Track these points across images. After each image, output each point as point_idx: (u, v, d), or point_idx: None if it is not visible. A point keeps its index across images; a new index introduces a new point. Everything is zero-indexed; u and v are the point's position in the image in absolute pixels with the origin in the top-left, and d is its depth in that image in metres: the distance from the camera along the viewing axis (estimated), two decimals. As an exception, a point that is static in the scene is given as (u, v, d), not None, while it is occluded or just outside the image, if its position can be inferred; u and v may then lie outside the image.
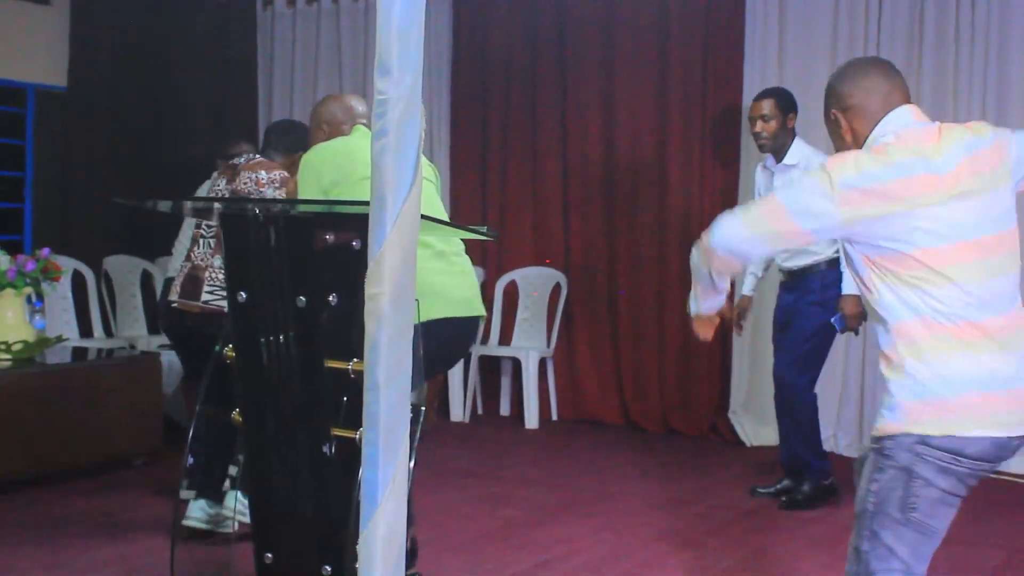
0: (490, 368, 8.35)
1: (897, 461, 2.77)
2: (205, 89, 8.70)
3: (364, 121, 4.55)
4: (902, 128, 2.83)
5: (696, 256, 3.00)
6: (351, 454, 3.11)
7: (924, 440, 2.73)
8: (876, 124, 2.88)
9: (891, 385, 2.80)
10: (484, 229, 4.20)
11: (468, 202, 8.45)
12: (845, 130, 2.95)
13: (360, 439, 2.70)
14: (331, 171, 4.20)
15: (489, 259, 8.38)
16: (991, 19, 6.88)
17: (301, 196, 4.28)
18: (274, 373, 3.43)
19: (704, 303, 3.12)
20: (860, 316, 5.63)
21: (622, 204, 7.96)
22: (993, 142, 2.84)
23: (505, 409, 8.37)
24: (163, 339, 7.83)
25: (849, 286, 5.56)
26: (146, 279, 8.25)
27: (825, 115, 3.03)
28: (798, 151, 5.84)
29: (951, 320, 2.74)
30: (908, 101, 2.91)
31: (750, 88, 7.20)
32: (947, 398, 2.73)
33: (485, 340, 8.29)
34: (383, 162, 2.61)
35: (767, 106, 5.88)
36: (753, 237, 2.85)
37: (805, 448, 5.91)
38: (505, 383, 8.37)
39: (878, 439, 2.83)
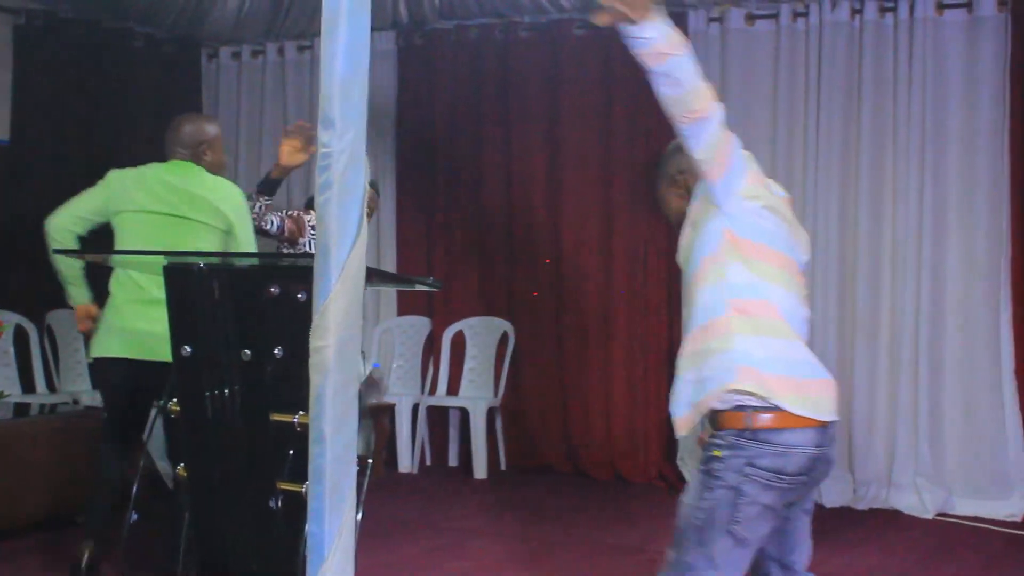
0: (438, 418, 8.32)
1: (726, 481, 3.02)
2: (149, 141, 8.63)
3: (185, 153, 4.77)
4: None
5: (698, 87, 3.18)
6: (297, 508, 3.10)
7: (751, 462, 3.00)
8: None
9: (720, 355, 3.05)
10: (429, 280, 4.25)
11: (414, 253, 8.44)
12: (682, 191, 3.35)
13: (306, 493, 2.68)
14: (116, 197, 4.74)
15: (436, 309, 8.37)
16: (927, 66, 7.02)
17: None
18: (219, 427, 3.41)
19: (646, 31, 3.06)
20: None
21: (568, 251, 7.99)
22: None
23: (453, 459, 8.33)
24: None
25: None
26: (89, 334, 8.16)
27: (662, 185, 3.45)
28: None
29: (782, 315, 3.10)
30: None
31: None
32: (777, 375, 3.03)
33: (432, 391, 8.26)
34: (327, 214, 2.61)
35: None
36: (715, 134, 3.13)
37: None
38: (453, 433, 8.34)
39: (707, 461, 3.07)
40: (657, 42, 3.04)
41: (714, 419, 3.07)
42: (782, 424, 3.00)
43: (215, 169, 4.88)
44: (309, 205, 5.75)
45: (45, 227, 4.87)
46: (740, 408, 3.01)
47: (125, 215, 4.73)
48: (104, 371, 4.81)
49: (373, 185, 5.56)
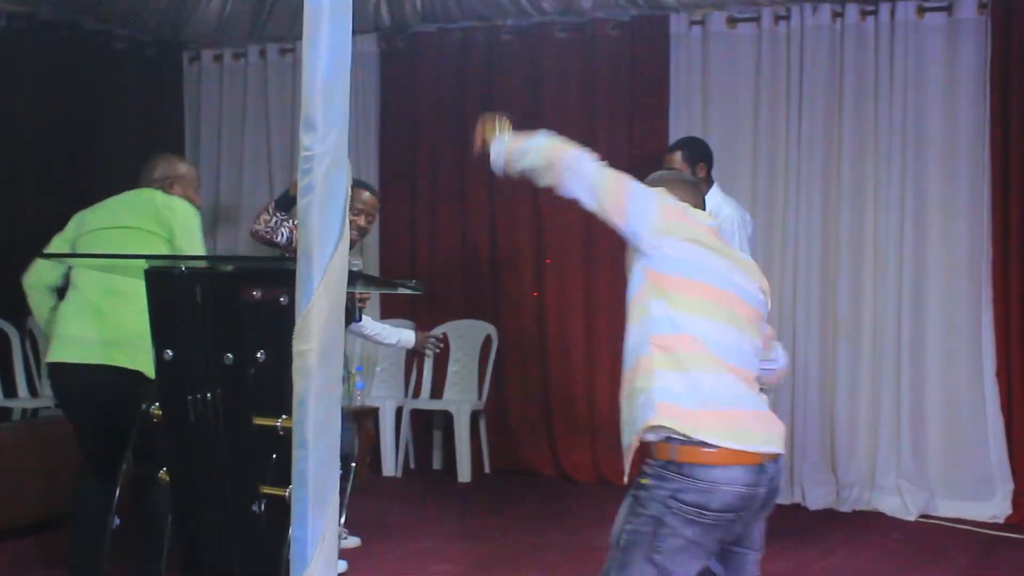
0: (422, 422, 8.31)
1: (650, 511, 3.01)
2: (131, 145, 8.61)
3: (154, 184, 4.87)
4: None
5: (541, 146, 3.37)
6: (280, 512, 3.09)
7: (675, 495, 2.97)
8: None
9: (643, 394, 3.06)
10: (412, 283, 4.25)
11: (397, 256, 8.43)
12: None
13: (289, 497, 2.68)
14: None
15: (419, 312, 8.36)
16: (908, 69, 7.05)
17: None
18: (202, 431, 3.39)
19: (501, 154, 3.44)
20: None
21: (550, 254, 7.99)
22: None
23: (437, 463, 8.32)
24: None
25: None
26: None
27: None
28: (712, 199, 5.89)
29: (709, 348, 3.03)
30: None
31: (676, 138, 7.24)
32: (700, 409, 2.99)
33: (416, 394, 8.25)
34: (309, 218, 2.61)
35: (676, 158, 5.96)
36: (592, 178, 3.22)
37: None
38: (437, 436, 8.33)
39: (637, 487, 3.09)
40: (504, 154, 3.39)
41: (649, 448, 3.07)
42: (708, 460, 2.95)
43: None
44: None
45: (23, 286, 4.97)
46: (668, 440, 2.98)
47: (81, 239, 4.81)
48: (50, 379, 4.94)
49: (373, 192, 5.54)
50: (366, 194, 5.47)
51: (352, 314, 5.31)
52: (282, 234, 5.39)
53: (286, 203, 5.33)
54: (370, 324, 5.97)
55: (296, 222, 5.36)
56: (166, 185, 4.85)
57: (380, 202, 5.71)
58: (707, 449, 2.95)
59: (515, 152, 3.37)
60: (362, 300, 5.38)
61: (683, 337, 3.03)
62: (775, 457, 3.05)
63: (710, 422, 2.96)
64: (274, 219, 5.32)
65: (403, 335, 6.09)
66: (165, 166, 4.94)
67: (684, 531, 2.97)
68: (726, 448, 2.95)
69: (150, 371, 4.47)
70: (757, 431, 3.02)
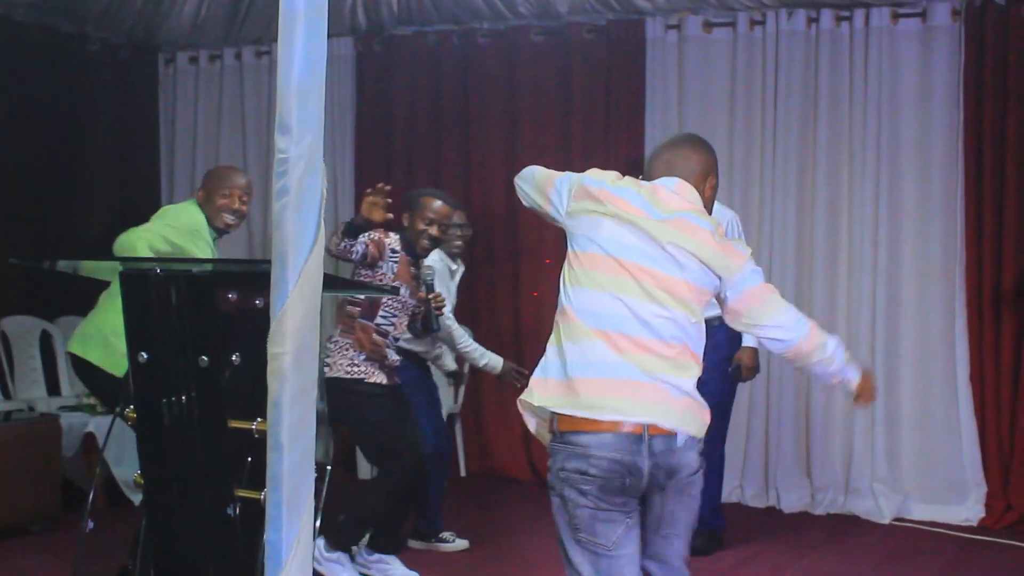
0: (397, 425, 8.28)
1: (555, 490, 3.13)
2: (106, 147, 8.59)
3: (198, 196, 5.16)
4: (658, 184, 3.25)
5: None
6: (255, 515, 3.08)
7: (563, 465, 3.07)
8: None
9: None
10: (388, 286, 4.23)
11: (374, 259, 8.42)
12: None
13: (264, 500, 2.67)
14: None
15: (395, 315, 8.35)
16: (882, 74, 7.09)
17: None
18: (176, 434, 3.39)
19: None
20: (754, 369, 5.79)
21: (527, 259, 8.00)
22: (717, 240, 3.19)
23: (413, 466, 8.30)
24: (63, 400, 7.67)
25: (748, 338, 5.66)
26: (45, 339, 8.07)
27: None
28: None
29: (580, 317, 3.10)
30: (678, 176, 3.28)
31: (652, 142, 7.30)
32: (561, 379, 3.09)
33: (392, 397, 8.22)
34: (284, 221, 2.60)
35: None
36: (531, 178, 3.41)
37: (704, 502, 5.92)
38: (413, 440, 8.31)
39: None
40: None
41: None
42: (577, 427, 3.04)
43: (215, 215, 5.10)
44: (388, 227, 5.57)
45: None
46: (552, 414, 3.10)
47: None
48: None
49: (447, 201, 5.43)
50: (437, 203, 5.35)
51: (430, 324, 5.27)
52: (357, 251, 5.23)
53: (351, 231, 5.18)
54: (461, 336, 6.03)
55: (370, 235, 5.32)
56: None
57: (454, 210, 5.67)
58: (578, 416, 3.03)
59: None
60: (438, 307, 5.31)
61: (565, 310, 3.14)
62: (666, 433, 3.06)
63: (555, 391, 3.07)
64: (343, 243, 5.17)
65: (491, 359, 6.06)
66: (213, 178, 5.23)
67: (581, 500, 3.05)
68: (578, 416, 3.03)
69: (108, 366, 4.58)
70: (604, 398, 3.04)
